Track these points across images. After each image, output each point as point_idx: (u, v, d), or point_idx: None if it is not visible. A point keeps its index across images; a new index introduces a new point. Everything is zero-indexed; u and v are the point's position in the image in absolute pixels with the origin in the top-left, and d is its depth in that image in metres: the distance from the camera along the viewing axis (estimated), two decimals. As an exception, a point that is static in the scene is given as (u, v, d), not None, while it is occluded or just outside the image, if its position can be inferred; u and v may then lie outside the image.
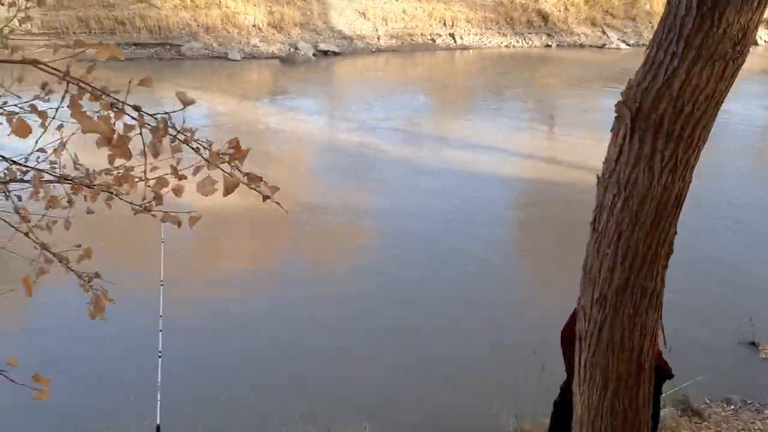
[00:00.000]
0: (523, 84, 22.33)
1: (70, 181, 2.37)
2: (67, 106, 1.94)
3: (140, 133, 1.72)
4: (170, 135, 1.71)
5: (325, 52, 24.44)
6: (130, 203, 2.52)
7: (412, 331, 7.54)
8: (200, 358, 6.87)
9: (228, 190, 1.62)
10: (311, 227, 10.27)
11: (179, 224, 2.50)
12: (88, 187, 2.41)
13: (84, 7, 22.66)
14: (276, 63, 23.28)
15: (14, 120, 2.25)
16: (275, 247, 9.98)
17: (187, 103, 1.65)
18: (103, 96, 1.80)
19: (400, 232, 10.24)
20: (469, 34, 27.36)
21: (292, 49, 23.90)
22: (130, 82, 1.71)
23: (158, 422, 4.59)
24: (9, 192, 2.43)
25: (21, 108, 2.49)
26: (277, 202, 1.61)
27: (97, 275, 2.29)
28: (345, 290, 8.39)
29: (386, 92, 20.15)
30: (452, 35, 27.17)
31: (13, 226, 2.36)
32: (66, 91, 1.82)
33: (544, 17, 28.93)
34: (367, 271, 9.00)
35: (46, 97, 2.55)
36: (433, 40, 26.81)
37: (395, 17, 26.54)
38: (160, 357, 4.73)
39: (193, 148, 1.71)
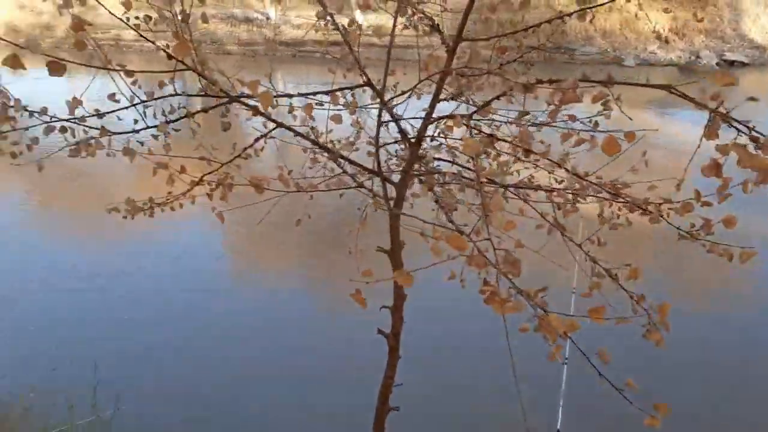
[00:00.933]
0: None
1: (622, 199, 2.41)
2: (704, 136, 1.92)
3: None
4: None
5: (732, 62, 22.29)
6: (677, 228, 2.47)
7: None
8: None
9: None
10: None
11: (730, 258, 2.36)
12: (629, 204, 2.42)
13: (486, 10, 24.11)
14: (673, 71, 21.96)
15: (599, 138, 2.35)
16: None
17: None
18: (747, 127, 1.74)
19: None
20: None
21: (692, 57, 22.32)
22: (749, 98, 1.61)
23: (558, 427, 4.61)
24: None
25: (583, 123, 2.62)
26: None
27: (642, 297, 2.28)
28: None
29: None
30: None
31: (568, 238, 2.48)
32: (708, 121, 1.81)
33: None
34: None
35: (607, 112, 2.63)
36: None
37: (826, 25, 23.03)
38: (565, 364, 4.66)
39: None
